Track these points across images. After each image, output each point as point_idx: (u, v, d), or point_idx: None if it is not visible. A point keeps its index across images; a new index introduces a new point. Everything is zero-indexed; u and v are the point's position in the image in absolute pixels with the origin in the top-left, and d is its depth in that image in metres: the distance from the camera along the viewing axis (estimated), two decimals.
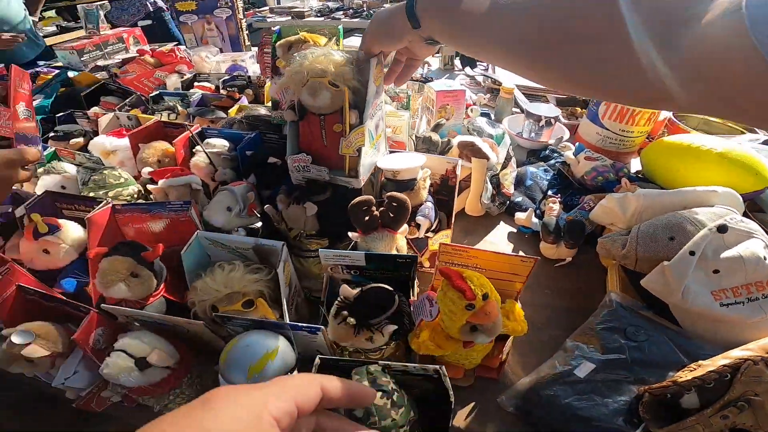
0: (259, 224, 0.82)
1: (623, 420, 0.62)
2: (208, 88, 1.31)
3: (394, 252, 0.68)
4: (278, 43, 0.84)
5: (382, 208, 0.69)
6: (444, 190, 0.87)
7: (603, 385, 0.66)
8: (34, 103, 1.33)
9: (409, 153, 0.83)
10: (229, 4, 1.80)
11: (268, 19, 3.63)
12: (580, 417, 0.63)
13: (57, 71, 1.60)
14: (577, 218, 0.92)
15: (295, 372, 0.58)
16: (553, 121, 1.20)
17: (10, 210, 0.82)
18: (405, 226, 0.71)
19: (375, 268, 0.67)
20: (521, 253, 0.76)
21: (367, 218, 0.68)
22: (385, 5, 3.53)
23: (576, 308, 0.85)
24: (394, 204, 0.68)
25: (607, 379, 0.66)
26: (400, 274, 0.68)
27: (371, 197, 0.68)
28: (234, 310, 0.65)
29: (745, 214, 0.81)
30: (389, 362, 0.52)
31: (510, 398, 0.69)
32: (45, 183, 0.88)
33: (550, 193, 1.05)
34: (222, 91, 1.23)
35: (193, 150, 0.93)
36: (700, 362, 0.61)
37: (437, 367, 0.51)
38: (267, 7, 3.85)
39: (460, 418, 0.68)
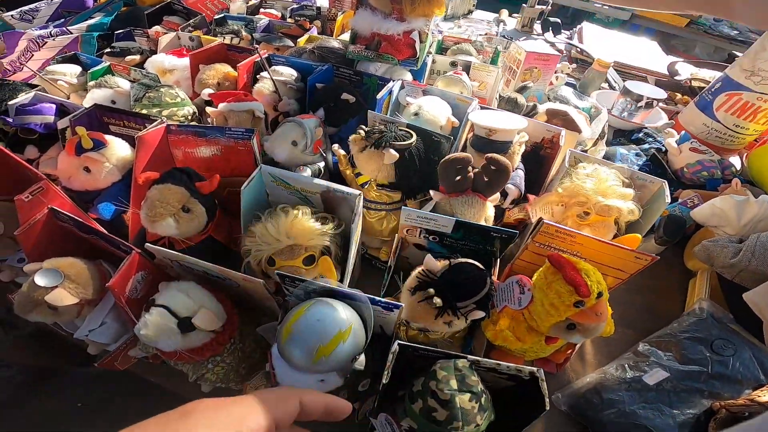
0: (322, 164, 0.71)
1: None
2: (274, 16, 1.17)
3: (483, 222, 0.57)
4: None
5: (476, 170, 0.57)
6: (533, 159, 0.74)
7: (674, 395, 0.58)
8: (93, 21, 1.22)
9: (508, 113, 0.69)
10: None
11: None
12: (639, 426, 0.55)
13: None
14: (676, 214, 0.78)
15: (362, 356, 0.47)
16: (655, 102, 1.03)
17: (52, 121, 0.72)
18: (497, 195, 0.59)
19: (460, 238, 0.56)
20: None
21: (458, 178, 0.56)
22: None
23: (650, 308, 0.74)
24: (493, 167, 0.55)
25: (678, 389, 0.58)
26: (486, 248, 0.56)
27: (469, 155, 0.55)
28: (293, 266, 0.54)
29: None
30: (478, 358, 0.42)
31: (565, 397, 0.60)
32: (94, 96, 0.78)
33: None
34: (289, 20, 1.10)
35: (258, 76, 0.81)
36: None
37: (534, 369, 0.41)
38: None
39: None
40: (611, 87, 1.15)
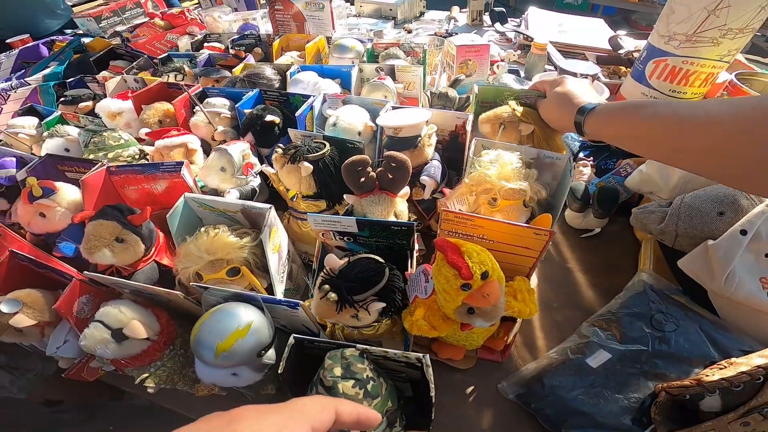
0: (256, 183, 0.75)
1: (631, 419, 0.53)
2: (218, 49, 1.23)
3: (393, 218, 0.59)
4: (485, 117, 0.73)
5: (380, 169, 0.60)
6: (454, 147, 0.76)
7: (616, 379, 0.57)
8: (48, 71, 1.31)
9: (413, 108, 0.72)
10: None
11: None
12: (582, 412, 0.55)
13: (72, 38, 1.56)
14: (611, 185, 0.79)
15: (271, 350, 0.52)
16: (591, 79, 1.04)
17: (15, 173, 0.79)
18: (406, 189, 0.62)
19: (369, 235, 0.59)
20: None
21: (362, 179, 0.59)
22: None
23: (600, 287, 0.74)
24: (393, 164, 0.58)
25: (622, 371, 0.57)
26: (397, 242, 0.59)
27: (366, 157, 0.59)
28: (218, 279, 0.59)
29: None
30: (368, 347, 0.45)
31: (512, 385, 0.60)
32: (48, 146, 0.85)
33: (581, 155, 0.92)
34: (232, 51, 1.15)
35: (194, 110, 0.86)
36: (733, 359, 0.51)
37: (420, 355, 0.43)
38: None
39: (456, 403, 0.61)
40: (555, 68, 1.16)
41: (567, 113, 0.63)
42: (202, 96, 0.89)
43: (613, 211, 0.77)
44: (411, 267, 0.60)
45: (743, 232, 0.58)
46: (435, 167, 0.68)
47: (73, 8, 1.94)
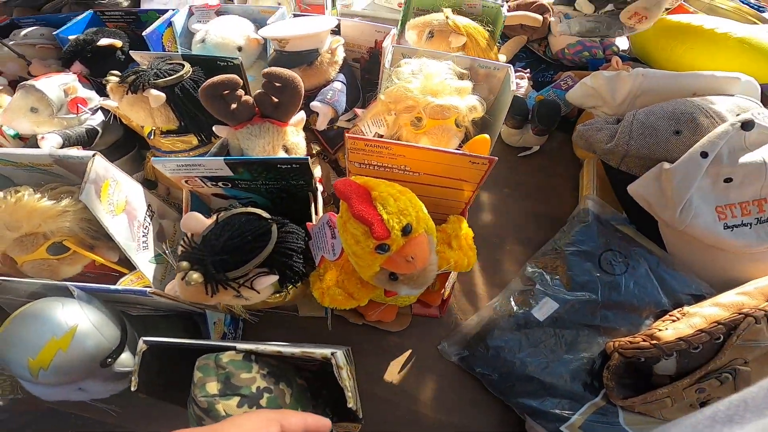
0: (97, 122, 0.54)
1: (582, 384, 0.47)
2: None
3: (282, 153, 0.43)
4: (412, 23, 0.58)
5: (259, 91, 0.42)
6: (374, 67, 0.60)
7: (564, 336, 0.49)
8: None
9: (312, 17, 0.53)
10: None
11: None
12: (530, 377, 0.47)
13: None
14: (550, 98, 0.68)
15: (125, 354, 0.36)
16: None
17: None
18: (300, 115, 0.45)
19: (252, 178, 0.42)
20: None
21: (234, 105, 0.41)
22: None
23: (542, 213, 0.65)
24: (276, 84, 0.41)
25: (570, 325, 0.49)
26: (292, 184, 0.43)
27: (234, 76, 0.41)
28: (39, 260, 0.41)
29: None
30: (254, 346, 0.31)
31: (453, 345, 0.52)
32: None
33: (517, 66, 0.80)
34: None
35: None
36: (685, 309, 0.46)
37: (328, 353, 0.30)
38: None
39: (393, 371, 0.52)
40: None
41: None
42: (11, 27, 0.67)
43: (554, 127, 0.67)
44: (315, 216, 0.45)
45: (704, 155, 0.50)
46: (335, 90, 0.52)
47: None
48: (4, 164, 0.44)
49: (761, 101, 0.58)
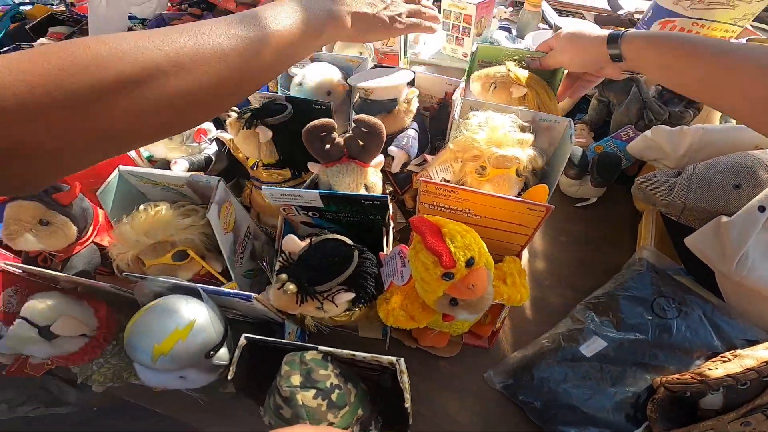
0: (212, 151, 0.65)
1: (625, 416, 0.49)
2: (174, 9, 1.09)
3: (363, 190, 0.51)
4: (477, 74, 0.66)
5: (348, 135, 0.51)
6: (443, 116, 0.67)
7: (611, 371, 0.51)
8: None
9: (393, 69, 0.62)
10: None
11: None
12: (572, 406, 0.50)
13: (9, 6, 1.39)
14: (611, 150, 0.71)
15: (223, 349, 0.44)
16: None
17: None
18: (380, 158, 0.53)
19: (337, 210, 0.50)
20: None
21: (327, 146, 0.50)
22: None
23: (596, 264, 0.68)
24: (363, 129, 0.49)
25: (618, 362, 0.52)
26: (369, 218, 0.51)
27: (331, 120, 0.49)
28: (163, 265, 0.51)
29: None
30: (332, 349, 0.37)
31: (498, 374, 0.56)
32: None
33: (578, 117, 0.84)
34: (187, 8, 1.01)
35: None
36: (738, 351, 0.47)
37: (393, 359, 0.36)
38: None
39: (439, 393, 0.56)
40: (550, 27, 1.06)
41: (592, 46, 0.58)
42: None
43: (614, 179, 0.70)
44: (387, 247, 0.52)
45: (761, 209, 0.51)
46: (409, 137, 0.59)
47: None
48: (144, 182, 0.55)
49: None
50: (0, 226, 0.61)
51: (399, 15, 0.58)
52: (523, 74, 0.63)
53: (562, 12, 1.20)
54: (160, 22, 0.97)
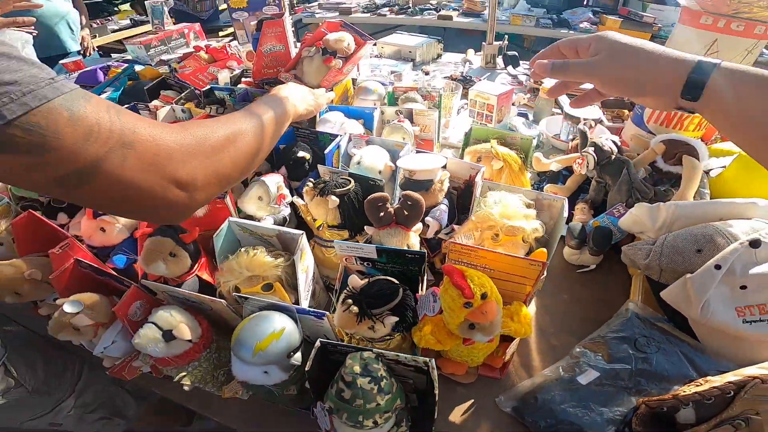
0: (287, 212, 0.88)
1: (615, 430, 0.63)
2: (254, 84, 1.39)
3: (405, 249, 0.72)
4: (468, 149, 0.93)
5: (397, 205, 0.73)
6: (467, 195, 0.88)
7: (602, 394, 0.66)
8: (105, 96, 1.49)
9: (430, 154, 0.85)
10: (276, 1, 1.87)
11: (317, 15, 3.66)
12: (570, 423, 0.64)
13: (126, 65, 1.77)
14: (605, 225, 0.90)
15: (298, 353, 0.63)
16: (594, 123, 1.17)
17: None
18: (419, 225, 0.74)
19: (386, 261, 0.71)
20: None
21: (381, 214, 0.72)
22: (431, 1, 3.50)
23: (594, 317, 0.83)
24: (409, 202, 0.71)
25: (608, 387, 0.67)
26: (409, 269, 0.71)
27: (386, 194, 0.72)
28: (254, 292, 0.71)
29: None
30: (383, 351, 0.56)
31: (508, 399, 0.70)
32: None
33: (582, 197, 1.04)
34: (266, 87, 1.31)
35: None
36: (709, 378, 0.60)
37: (427, 359, 0.54)
38: (316, 3, 3.82)
39: (457, 414, 0.71)
40: (562, 112, 1.30)
41: (652, 70, 0.52)
42: None
43: (607, 249, 0.89)
44: (421, 290, 0.71)
45: (717, 267, 0.67)
46: (441, 210, 0.80)
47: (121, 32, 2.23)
48: (244, 231, 0.78)
49: None
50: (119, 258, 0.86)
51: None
52: (503, 151, 0.87)
53: (573, 97, 1.45)
54: (245, 95, 1.27)
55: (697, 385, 0.59)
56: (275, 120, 0.73)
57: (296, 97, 0.87)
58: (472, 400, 0.72)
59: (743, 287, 0.67)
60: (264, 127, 0.68)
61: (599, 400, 0.66)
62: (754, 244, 0.67)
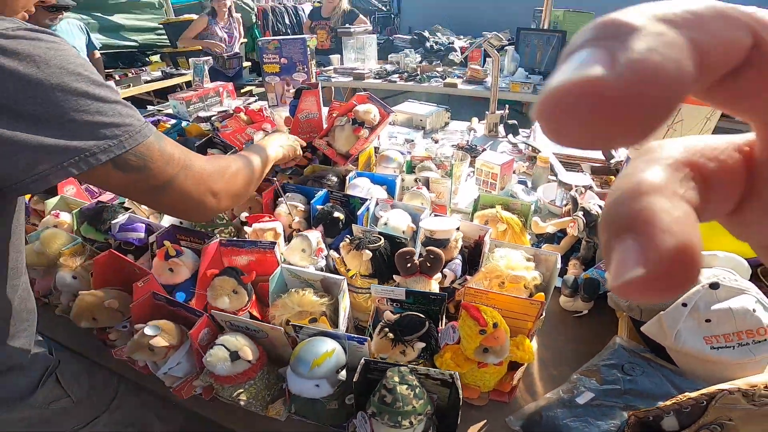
0: (323, 263, 1.08)
1: None
2: None
3: None
4: (477, 214, 1.14)
5: (421, 258, 0.93)
6: (477, 252, 1.06)
7: (598, 410, 0.82)
8: None
9: (447, 217, 1.07)
10: (305, 69, 2.17)
11: (333, 79, 3.87)
12: None
13: (174, 121, 1.97)
14: (594, 276, 1.10)
15: (343, 371, 0.80)
16: (584, 189, 1.40)
17: (143, 237, 1.14)
18: (439, 275, 0.94)
19: (413, 302, 0.89)
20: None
21: (409, 264, 0.91)
22: (437, 69, 3.91)
23: (587, 351, 0.98)
24: (432, 255, 0.91)
25: (602, 404, 0.82)
26: (431, 309, 0.90)
27: (413, 249, 0.92)
28: (303, 324, 0.90)
29: (755, 277, 0.98)
30: (416, 366, 0.74)
31: (517, 419, 0.85)
32: (168, 218, 1.21)
33: (575, 255, 1.24)
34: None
35: (277, 201, 1.24)
36: (687, 393, 0.73)
37: (452, 372, 0.72)
38: (331, 67, 4.14)
39: None
40: (556, 179, 1.53)
41: None
42: (282, 190, 1.26)
43: (596, 297, 1.07)
44: (441, 325, 0.90)
45: (684, 305, 0.84)
46: (456, 264, 0.99)
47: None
48: (292, 275, 0.97)
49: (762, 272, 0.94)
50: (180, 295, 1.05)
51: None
52: (506, 215, 1.07)
53: (567, 165, 1.68)
54: None
55: (678, 400, 0.73)
56: (262, 161, 1.04)
57: (274, 145, 1.15)
58: (485, 420, 0.87)
59: (708, 320, 0.83)
60: (254, 167, 0.99)
61: (596, 416, 0.80)
62: (713, 286, 0.84)
